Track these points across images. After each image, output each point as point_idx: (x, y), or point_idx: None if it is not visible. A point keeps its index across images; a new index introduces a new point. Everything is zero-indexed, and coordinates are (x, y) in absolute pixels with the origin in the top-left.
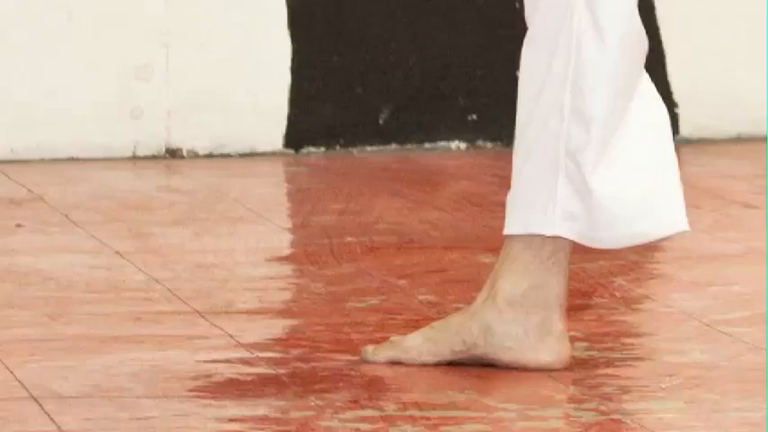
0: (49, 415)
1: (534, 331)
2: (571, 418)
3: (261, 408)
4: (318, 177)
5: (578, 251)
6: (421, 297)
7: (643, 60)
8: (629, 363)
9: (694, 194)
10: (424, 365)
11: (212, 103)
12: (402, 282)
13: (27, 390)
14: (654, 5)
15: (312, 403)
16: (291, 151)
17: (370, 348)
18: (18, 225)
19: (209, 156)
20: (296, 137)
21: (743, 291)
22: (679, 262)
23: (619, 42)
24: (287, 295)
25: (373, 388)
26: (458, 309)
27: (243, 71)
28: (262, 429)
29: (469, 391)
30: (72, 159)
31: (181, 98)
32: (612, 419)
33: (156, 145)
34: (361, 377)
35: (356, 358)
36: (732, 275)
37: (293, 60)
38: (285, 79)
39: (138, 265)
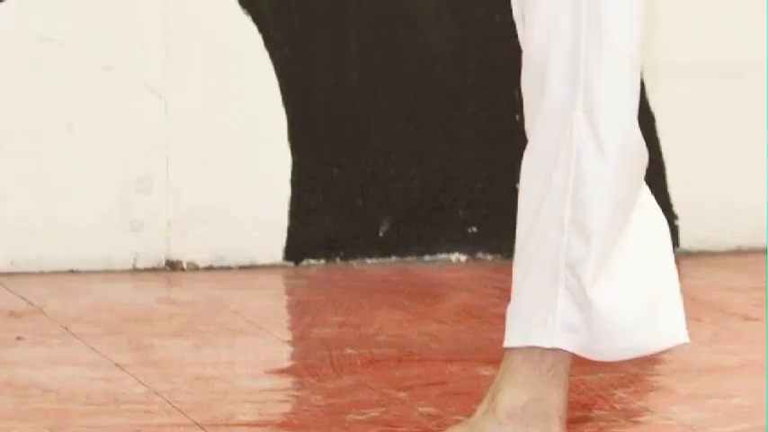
0: None
1: None
2: None
3: None
4: (318, 290)
5: (578, 363)
6: (421, 409)
7: (643, 172)
8: None
9: (694, 307)
10: None
11: (212, 215)
12: (402, 394)
13: None
14: (654, 117)
15: None
16: (291, 264)
17: None
18: (18, 338)
19: (210, 268)
20: (296, 249)
21: (742, 403)
22: (678, 374)
23: (618, 154)
24: (287, 408)
25: None
26: (458, 421)
27: (243, 184)
28: None
29: None
30: (72, 272)
31: (181, 210)
32: None
33: (156, 257)
34: None
35: None
36: (732, 388)
37: (293, 173)
38: (285, 192)
39: (137, 378)
